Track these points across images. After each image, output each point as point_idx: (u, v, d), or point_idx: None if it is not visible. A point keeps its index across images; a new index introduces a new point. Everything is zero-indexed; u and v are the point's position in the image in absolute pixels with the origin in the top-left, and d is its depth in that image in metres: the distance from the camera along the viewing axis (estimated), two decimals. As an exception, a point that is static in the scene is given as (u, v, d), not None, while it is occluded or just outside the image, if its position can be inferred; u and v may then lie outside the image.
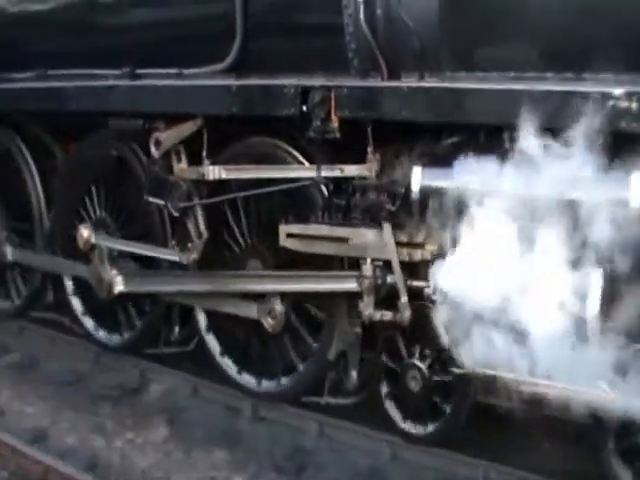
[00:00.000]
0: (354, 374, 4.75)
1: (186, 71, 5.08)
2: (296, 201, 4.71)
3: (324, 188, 4.52)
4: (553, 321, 3.47)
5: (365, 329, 4.61)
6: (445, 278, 3.74)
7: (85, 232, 5.76)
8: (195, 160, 5.10)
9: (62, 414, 5.40)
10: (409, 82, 3.98)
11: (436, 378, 4.38)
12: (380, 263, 4.18)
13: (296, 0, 4.59)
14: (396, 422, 4.67)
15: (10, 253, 6.68)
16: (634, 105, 3.17)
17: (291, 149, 4.75)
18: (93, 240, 5.75)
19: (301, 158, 4.71)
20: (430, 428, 4.54)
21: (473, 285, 3.64)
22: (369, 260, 4.16)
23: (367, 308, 4.19)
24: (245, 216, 5.08)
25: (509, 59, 3.72)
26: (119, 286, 5.52)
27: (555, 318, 3.45)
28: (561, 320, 3.45)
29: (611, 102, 3.20)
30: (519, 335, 3.57)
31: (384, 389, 4.69)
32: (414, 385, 4.48)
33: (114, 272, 5.54)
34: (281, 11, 4.63)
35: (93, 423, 5.24)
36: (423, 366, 4.41)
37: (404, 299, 4.04)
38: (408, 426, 4.63)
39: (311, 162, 4.61)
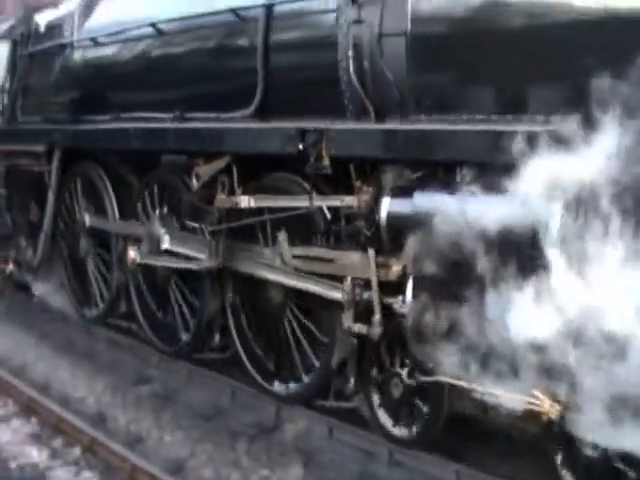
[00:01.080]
0: (352, 380, 5.37)
1: (223, 115, 5.93)
2: (302, 225, 5.43)
3: (323, 215, 5.22)
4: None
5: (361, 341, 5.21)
6: (409, 295, 4.37)
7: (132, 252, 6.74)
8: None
9: (200, 446, 5.48)
10: (371, 124, 4.67)
11: (414, 384, 4.91)
12: (361, 282, 4.83)
13: (303, 56, 5.34)
14: (386, 427, 5.24)
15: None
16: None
17: (304, 182, 5.46)
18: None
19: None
20: (414, 431, 5.08)
21: (432, 301, 4.26)
22: (349, 278, 4.83)
23: (347, 320, 4.84)
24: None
25: (460, 105, 4.34)
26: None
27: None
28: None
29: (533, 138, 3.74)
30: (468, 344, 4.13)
31: (375, 396, 5.27)
32: (396, 391, 5.07)
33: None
34: (292, 67, 5.43)
35: (230, 458, 5.30)
36: (403, 373, 4.98)
37: (377, 316, 4.66)
38: (396, 430, 5.19)
39: (320, 193, 5.30)
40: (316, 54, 5.19)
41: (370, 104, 4.88)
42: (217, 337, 6.59)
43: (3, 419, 6.21)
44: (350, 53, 4.90)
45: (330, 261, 5.07)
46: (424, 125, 4.42)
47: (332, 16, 5.05)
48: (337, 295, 5.06)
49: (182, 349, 6.83)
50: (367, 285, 4.83)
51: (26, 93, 8.36)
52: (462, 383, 4.26)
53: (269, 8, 5.51)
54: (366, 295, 4.81)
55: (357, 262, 4.86)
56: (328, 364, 5.51)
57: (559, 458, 4.31)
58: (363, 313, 4.86)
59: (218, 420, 5.93)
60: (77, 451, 5.51)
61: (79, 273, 8.20)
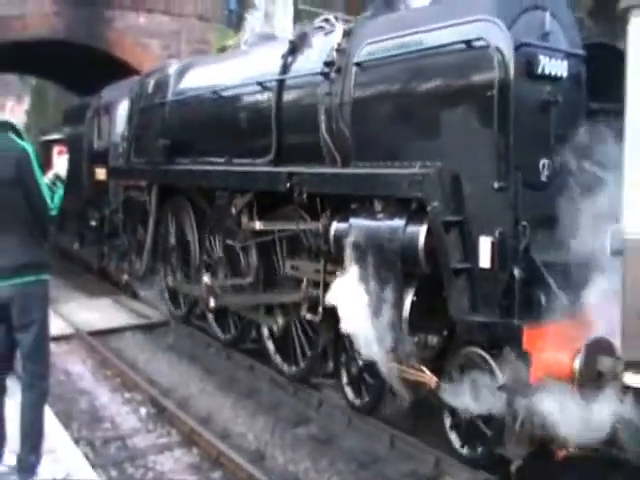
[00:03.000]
0: (330, 363, 7.11)
1: (254, 161, 7.84)
2: (298, 243, 7.26)
3: (304, 236, 7.02)
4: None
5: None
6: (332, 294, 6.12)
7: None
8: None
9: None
10: (322, 169, 6.46)
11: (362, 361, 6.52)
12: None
13: (299, 119, 7.14)
14: (349, 398, 6.90)
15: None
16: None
17: (303, 212, 7.24)
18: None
19: (307, 217, 7.19)
20: (365, 400, 6.73)
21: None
22: (305, 280, 6.63)
23: (303, 311, 6.61)
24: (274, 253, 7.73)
25: (376, 156, 6.02)
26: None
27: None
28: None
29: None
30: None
31: (343, 375, 6.95)
32: (355, 370, 6.74)
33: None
34: (293, 126, 7.26)
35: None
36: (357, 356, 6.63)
37: (320, 308, 6.41)
38: (357, 401, 6.84)
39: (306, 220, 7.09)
40: (306, 117, 6.99)
41: (338, 154, 6.64)
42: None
43: (166, 447, 6.42)
44: (323, 117, 6.70)
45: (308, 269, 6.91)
46: (353, 170, 6.17)
47: (315, 89, 6.87)
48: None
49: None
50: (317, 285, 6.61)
51: (138, 140, 10.72)
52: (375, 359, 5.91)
53: (281, 81, 7.40)
54: (315, 293, 6.59)
55: (314, 269, 6.66)
56: (316, 352, 7.27)
57: (447, 421, 5.83)
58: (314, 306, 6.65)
59: (375, 467, 5.93)
60: (235, 485, 5.68)
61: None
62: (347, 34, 6.71)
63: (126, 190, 11.17)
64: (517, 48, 5.22)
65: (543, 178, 5.47)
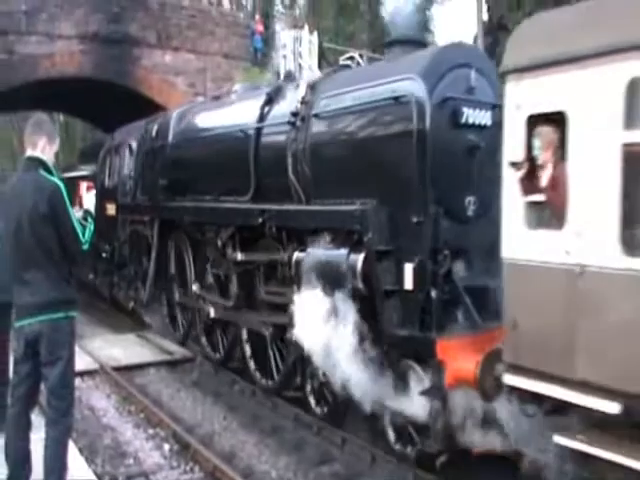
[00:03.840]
0: (299, 377, 7.98)
1: (239, 198, 8.79)
2: (273, 271, 8.16)
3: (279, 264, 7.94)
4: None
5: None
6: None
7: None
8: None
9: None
10: (282, 206, 7.40)
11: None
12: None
13: (273, 162, 8.06)
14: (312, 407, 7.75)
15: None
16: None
17: (276, 244, 8.16)
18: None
19: (279, 248, 8.10)
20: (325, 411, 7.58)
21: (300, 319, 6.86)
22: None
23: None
24: (254, 280, 8.64)
25: (328, 194, 6.94)
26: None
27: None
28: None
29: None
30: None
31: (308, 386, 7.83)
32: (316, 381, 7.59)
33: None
34: (267, 170, 8.19)
35: None
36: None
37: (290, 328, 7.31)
38: (318, 409, 7.69)
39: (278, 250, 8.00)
40: (278, 160, 7.90)
41: (302, 193, 7.57)
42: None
43: (189, 484, 6.46)
44: (290, 160, 7.64)
45: (278, 294, 7.81)
46: (309, 207, 7.11)
47: (284, 136, 7.82)
48: (284, 319, 7.71)
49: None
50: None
51: (142, 179, 11.75)
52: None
53: (258, 129, 8.37)
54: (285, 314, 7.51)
55: (284, 294, 7.56)
56: (287, 367, 8.14)
57: (387, 422, 6.65)
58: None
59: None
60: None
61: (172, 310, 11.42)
62: (311, 88, 7.67)
63: (132, 224, 12.19)
64: (443, 101, 6.15)
65: (469, 213, 6.36)
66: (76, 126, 37.68)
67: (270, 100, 8.43)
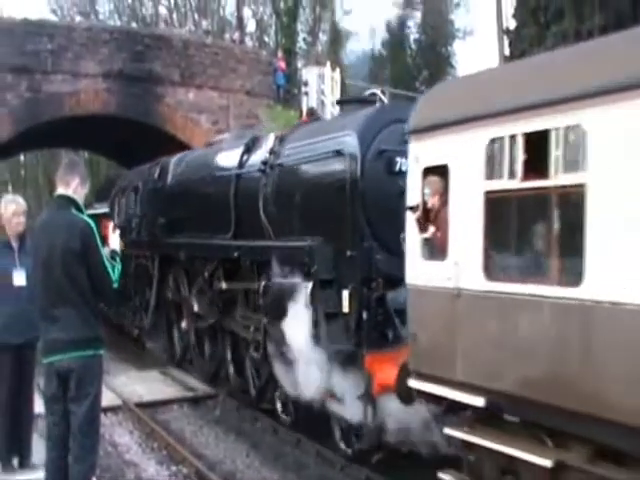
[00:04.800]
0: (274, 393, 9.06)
1: (226, 234, 9.94)
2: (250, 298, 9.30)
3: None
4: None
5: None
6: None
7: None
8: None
9: None
10: (249, 242, 8.56)
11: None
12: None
13: (247, 205, 9.23)
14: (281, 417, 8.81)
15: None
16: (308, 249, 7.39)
17: (251, 274, 9.29)
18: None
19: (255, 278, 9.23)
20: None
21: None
22: (252, 327, 8.66)
23: (251, 350, 8.69)
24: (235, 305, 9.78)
25: (288, 232, 8.08)
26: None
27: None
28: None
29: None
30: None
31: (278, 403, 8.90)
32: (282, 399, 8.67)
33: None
34: (244, 211, 9.36)
35: None
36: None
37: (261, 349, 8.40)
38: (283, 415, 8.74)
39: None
40: (252, 203, 9.06)
41: (271, 231, 8.71)
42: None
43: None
44: (261, 202, 8.80)
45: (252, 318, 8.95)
46: (270, 242, 8.28)
47: (257, 181, 9.00)
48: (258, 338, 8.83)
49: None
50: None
51: (145, 218, 13.01)
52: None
53: (238, 174, 9.56)
54: (258, 336, 8.60)
55: (257, 318, 8.69)
56: (261, 383, 9.23)
57: (335, 425, 7.68)
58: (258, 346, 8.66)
59: None
60: None
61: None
62: (279, 140, 8.86)
63: (136, 259, 13.42)
64: (379, 153, 7.29)
65: (404, 248, 7.44)
66: (100, 164, 38.11)
67: (248, 149, 9.64)
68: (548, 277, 4.74)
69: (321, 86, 20.26)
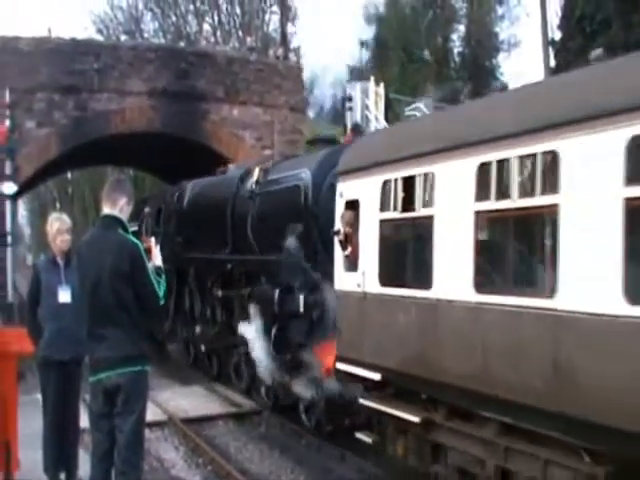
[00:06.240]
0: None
1: (224, 250, 11.86)
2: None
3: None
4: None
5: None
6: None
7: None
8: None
9: None
10: (234, 256, 10.45)
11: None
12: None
13: (240, 225, 11.11)
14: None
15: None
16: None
17: (242, 283, 11.18)
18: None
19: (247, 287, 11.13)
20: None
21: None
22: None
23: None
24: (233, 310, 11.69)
25: (264, 249, 9.96)
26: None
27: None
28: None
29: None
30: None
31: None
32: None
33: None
34: (238, 230, 11.23)
35: None
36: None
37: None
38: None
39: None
40: (243, 223, 10.95)
41: (257, 247, 10.60)
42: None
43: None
44: (249, 224, 10.70)
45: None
46: (252, 257, 10.16)
47: (247, 206, 10.87)
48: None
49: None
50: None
51: (166, 235, 14.98)
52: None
53: (234, 199, 11.48)
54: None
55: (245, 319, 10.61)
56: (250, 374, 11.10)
57: (300, 405, 9.52)
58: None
59: None
60: None
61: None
62: (264, 171, 10.76)
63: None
64: (331, 186, 9.11)
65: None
66: (146, 180, 37.93)
67: (242, 179, 11.56)
68: (412, 283, 6.53)
69: (365, 101, 19.89)
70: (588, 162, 4.71)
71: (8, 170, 17.35)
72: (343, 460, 8.44)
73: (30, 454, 6.43)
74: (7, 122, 17.77)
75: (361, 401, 7.39)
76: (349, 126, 17.67)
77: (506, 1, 37.49)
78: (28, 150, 18.41)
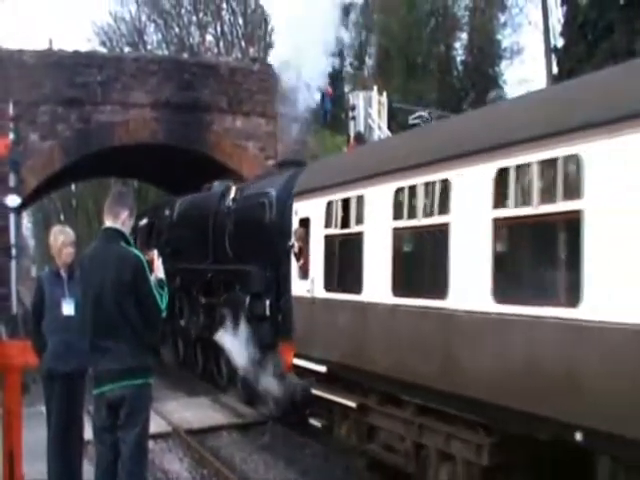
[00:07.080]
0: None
1: (207, 261, 13.04)
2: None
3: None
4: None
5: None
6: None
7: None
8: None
9: None
10: (215, 266, 11.66)
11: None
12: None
13: (219, 237, 12.31)
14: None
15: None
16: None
17: (220, 291, 12.36)
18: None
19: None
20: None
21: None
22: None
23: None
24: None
25: (241, 259, 11.16)
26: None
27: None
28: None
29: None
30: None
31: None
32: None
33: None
34: (218, 242, 12.44)
35: None
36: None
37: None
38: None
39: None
40: (222, 235, 12.15)
41: (234, 257, 11.78)
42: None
43: None
44: (227, 235, 11.89)
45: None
46: (227, 266, 11.36)
47: (226, 219, 12.07)
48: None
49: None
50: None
51: (157, 248, 16.17)
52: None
53: (215, 214, 12.67)
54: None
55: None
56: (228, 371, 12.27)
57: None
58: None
59: None
60: None
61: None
62: (240, 190, 11.96)
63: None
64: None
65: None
66: (149, 192, 36.91)
67: (222, 196, 12.75)
68: (348, 289, 7.71)
69: (368, 110, 20.01)
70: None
71: (12, 183, 17.53)
72: (348, 470, 8.47)
73: (34, 466, 6.43)
74: (11, 135, 17.88)
75: (313, 391, 8.55)
76: (352, 135, 18.15)
77: (508, 9, 37.54)
78: (32, 163, 18.64)
